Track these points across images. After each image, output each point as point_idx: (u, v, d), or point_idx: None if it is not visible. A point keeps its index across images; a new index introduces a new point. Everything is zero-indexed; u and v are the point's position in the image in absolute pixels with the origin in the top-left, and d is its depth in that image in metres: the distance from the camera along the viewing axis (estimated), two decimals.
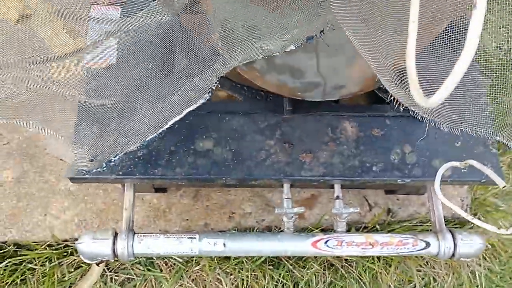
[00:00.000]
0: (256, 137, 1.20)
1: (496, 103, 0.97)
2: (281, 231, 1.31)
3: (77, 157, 0.98)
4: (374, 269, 1.53)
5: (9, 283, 1.43)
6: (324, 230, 1.51)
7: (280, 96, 1.19)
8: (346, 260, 1.54)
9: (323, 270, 1.52)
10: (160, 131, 0.96)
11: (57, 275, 1.44)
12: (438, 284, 1.57)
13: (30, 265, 1.45)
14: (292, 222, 1.21)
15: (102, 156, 0.98)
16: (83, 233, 1.17)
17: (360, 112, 1.24)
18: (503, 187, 0.98)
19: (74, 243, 1.29)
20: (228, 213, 1.51)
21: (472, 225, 1.62)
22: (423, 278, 1.56)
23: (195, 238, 1.16)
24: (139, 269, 1.47)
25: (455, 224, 1.60)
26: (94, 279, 1.44)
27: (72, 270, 1.45)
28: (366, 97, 1.37)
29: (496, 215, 1.66)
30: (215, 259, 1.48)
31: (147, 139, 0.98)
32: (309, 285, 1.50)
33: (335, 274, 1.52)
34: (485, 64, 0.89)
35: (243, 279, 1.47)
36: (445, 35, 0.84)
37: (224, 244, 1.17)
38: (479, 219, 1.62)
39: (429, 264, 1.58)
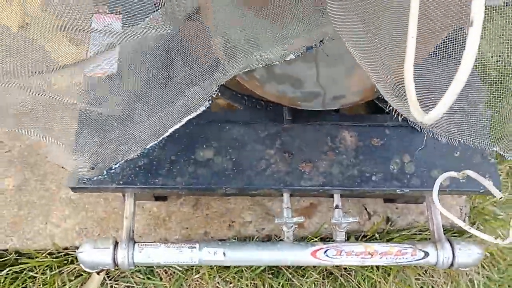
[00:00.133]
0: (256, 146, 1.21)
1: (494, 113, 0.98)
2: (280, 240, 1.32)
3: (78, 165, 0.98)
4: (373, 278, 1.53)
5: None
6: (323, 239, 1.51)
7: (280, 105, 1.20)
8: (345, 269, 1.54)
9: (322, 279, 1.53)
10: (160, 138, 0.97)
11: (58, 283, 1.45)
12: None
13: (31, 273, 1.45)
14: (292, 231, 1.21)
15: (103, 164, 0.99)
16: (83, 241, 1.17)
17: (359, 122, 1.25)
18: (500, 198, 0.98)
19: (75, 251, 1.29)
20: (228, 221, 1.51)
21: (471, 233, 1.63)
22: (421, 287, 1.57)
23: (195, 247, 1.16)
24: (139, 277, 1.47)
25: (454, 232, 1.60)
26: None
27: (73, 278, 1.46)
28: (365, 107, 1.38)
29: (494, 224, 1.66)
30: (215, 267, 1.48)
31: (147, 147, 0.99)
32: None
33: (334, 283, 1.53)
34: (483, 72, 0.90)
35: None
36: (443, 44, 0.85)
37: (224, 254, 1.17)
38: (477, 228, 1.64)
39: (427, 273, 1.59)
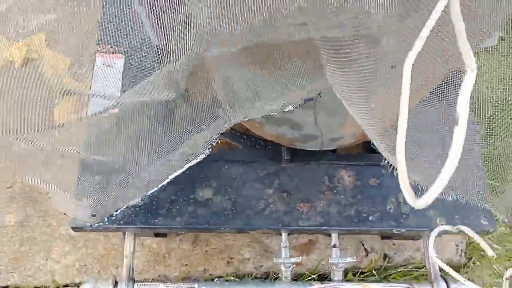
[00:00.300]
0: (255, 185, 1.23)
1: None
2: (277, 276, 1.33)
3: (79, 212, 1.00)
4: None
5: None
6: (321, 276, 1.52)
7: (279, 144, 1.22)
8: None
9: None
10: (161, 185, 0.99)
11: None
12: None
13: None
14: (290, 271, 1.22)
15: (104, 211, 1.01)
16: (84, 281, 1.18)
17: (357, 161, 1.28)
18: (492, 256, 1.00)
19: None
20: (226, 258, 1.52)
21: (468, 270, 1.64)
22: None
23: (194, 287, 1.17)
24: None
25: (451, 267, 1.61)
26: None
27: None
28: (362, 146, 1.40)
29: (491, 259, 1.67)
30: None
31: (148, 194, 1.01)
32: None
33: None
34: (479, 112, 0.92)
35: None
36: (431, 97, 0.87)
37: None
38: (474, 263, 1.66)
39: None
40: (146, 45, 0.88)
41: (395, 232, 1.21)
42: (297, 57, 0.76)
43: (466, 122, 0.44)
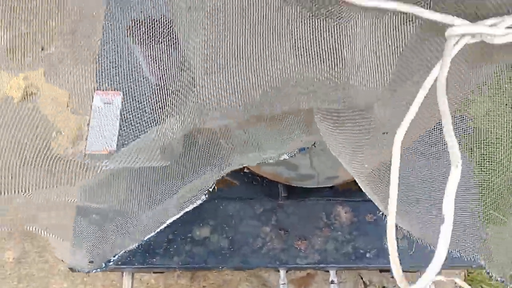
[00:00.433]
0: (252, 223, 1.23)
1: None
2: None
3: (77, 259, 1.00)
4: None
5: None
6: None
7: (276, 181, 1.23)
8: None
9: None
10: (158, 230, 0.99)
11: None
12: None
13: None
14: None
15: (101, 257, 1.01)
16: None
17: (353, 198, 1.27)
18: None
19: None
20: None
21: None
22: None
23: None
24: None
25: None
26: None
27: None
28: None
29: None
30: None
31: (145, 239, 1.01)
32: None
33: None
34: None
35: None
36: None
37: None
38: None
39: None
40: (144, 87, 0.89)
41: None
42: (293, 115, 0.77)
43: (452, 221, 0.44)
